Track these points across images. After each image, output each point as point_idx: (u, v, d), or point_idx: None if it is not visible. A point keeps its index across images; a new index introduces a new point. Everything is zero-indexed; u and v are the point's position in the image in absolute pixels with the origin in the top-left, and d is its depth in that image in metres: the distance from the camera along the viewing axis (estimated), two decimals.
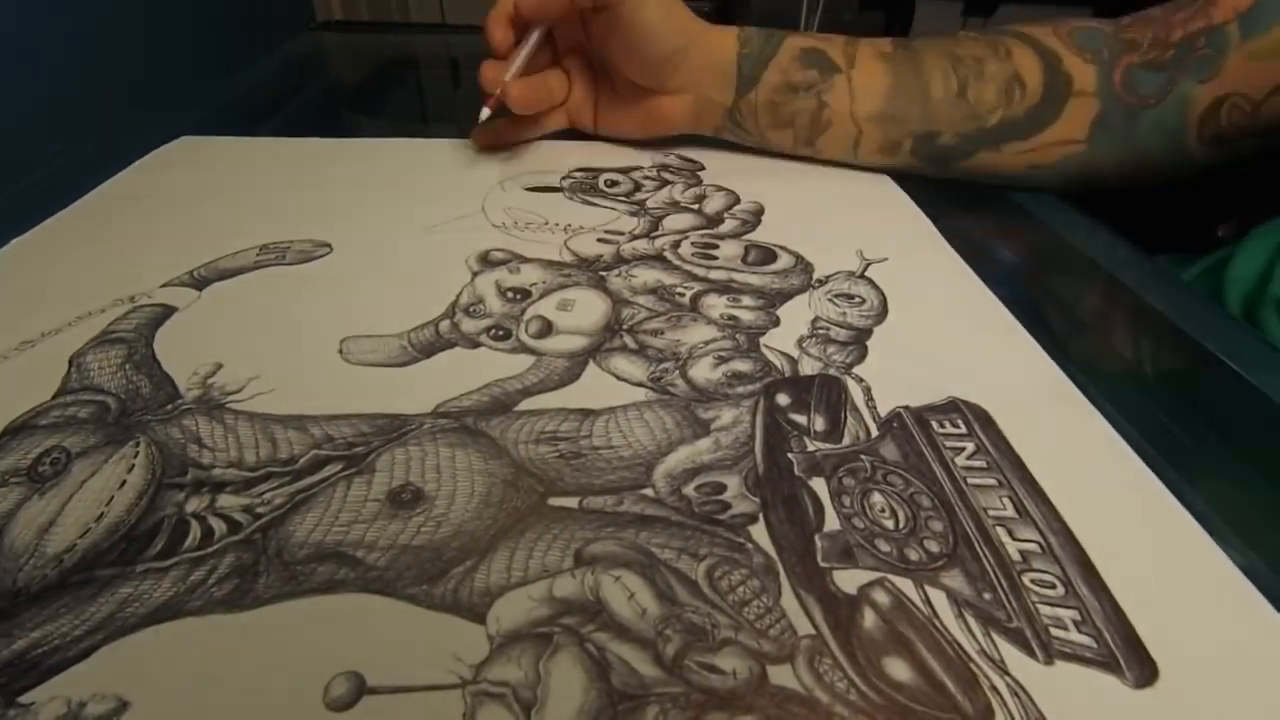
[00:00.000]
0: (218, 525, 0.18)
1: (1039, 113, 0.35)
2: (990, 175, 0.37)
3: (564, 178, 0.37)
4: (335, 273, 0.29)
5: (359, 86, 0.57)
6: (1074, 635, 0.16)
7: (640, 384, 0.24)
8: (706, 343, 0.26)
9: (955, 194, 0.37)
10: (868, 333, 0.26)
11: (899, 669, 0.15)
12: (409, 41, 0.67)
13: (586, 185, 0.37)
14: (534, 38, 0.36)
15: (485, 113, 0.36)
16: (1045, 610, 0.17)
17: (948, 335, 0.26)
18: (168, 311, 0.26)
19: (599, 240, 0.32)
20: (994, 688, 0.15)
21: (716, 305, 0.28)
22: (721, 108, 0.38)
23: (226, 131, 0.41)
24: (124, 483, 0.19)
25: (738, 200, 0.36)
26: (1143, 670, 0.16)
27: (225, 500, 0.19)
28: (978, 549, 0.18)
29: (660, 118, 0.39)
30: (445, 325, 0.26)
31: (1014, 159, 0.36)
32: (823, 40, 0.37)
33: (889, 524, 0.19)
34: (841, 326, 0.27)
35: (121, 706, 0.14)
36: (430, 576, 0.17)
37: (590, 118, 0.41)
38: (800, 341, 0.26)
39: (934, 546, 0.18)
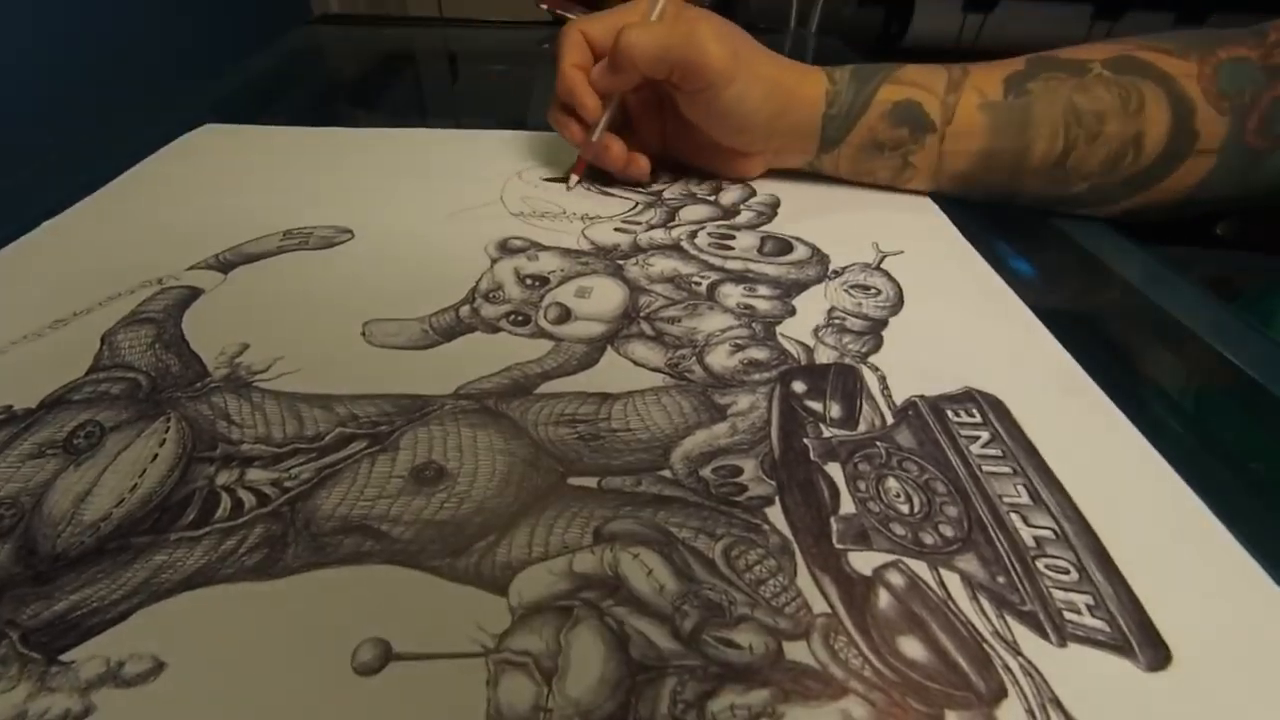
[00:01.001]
0: (247, 498, 0.19)
1: (1144, 177, 0.32)
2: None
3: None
4: (357, 258, 0.30)
5: (357, 80, 0.57)
6: (1087, 619, 0.16)
7: (657, 369, 0.24)
8: (723, 330, 0.26)
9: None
10: (883, 323, 0.27)
11: (913, 647, 0.16)
12: (407, 35, 0.68)
13: (603, 175, 0.37)
14: (615, 101, 0.34)
15: (575, 180, 0.36)
16: (1059, 594, 0.17)
17: (962, 326, 0.27)
18: (195, 293, 0.27)
19: (616, 230, 0.32)
20: (1007, 668, 0.15)
21: (733, 294, 0.28)
22: (802, 162, 0.36)
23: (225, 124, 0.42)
24: (156, 455, 0.20)
25: (754, 192, 0.36)
26: (1156, 654, 0.16)
27: (254, 474, 0.19)
28: (992, 534, 0.18)
29: (734, 168, 0.37)
30: (465, 310, 0.26)
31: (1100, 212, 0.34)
32: (921, 87, 0.33)
33: (904, 508, 0.19)
34: (857, 316, 0.27)
35: (158, 666, 0.15)
36: (453, 550, 0.17)
37: (660, 144, 0.37)
38: (816, 331, 0.26)
39: (948, 531, 0.18)
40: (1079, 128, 0.31)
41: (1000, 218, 0.36)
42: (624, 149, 0.34)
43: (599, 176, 0.37)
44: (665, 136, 0.37)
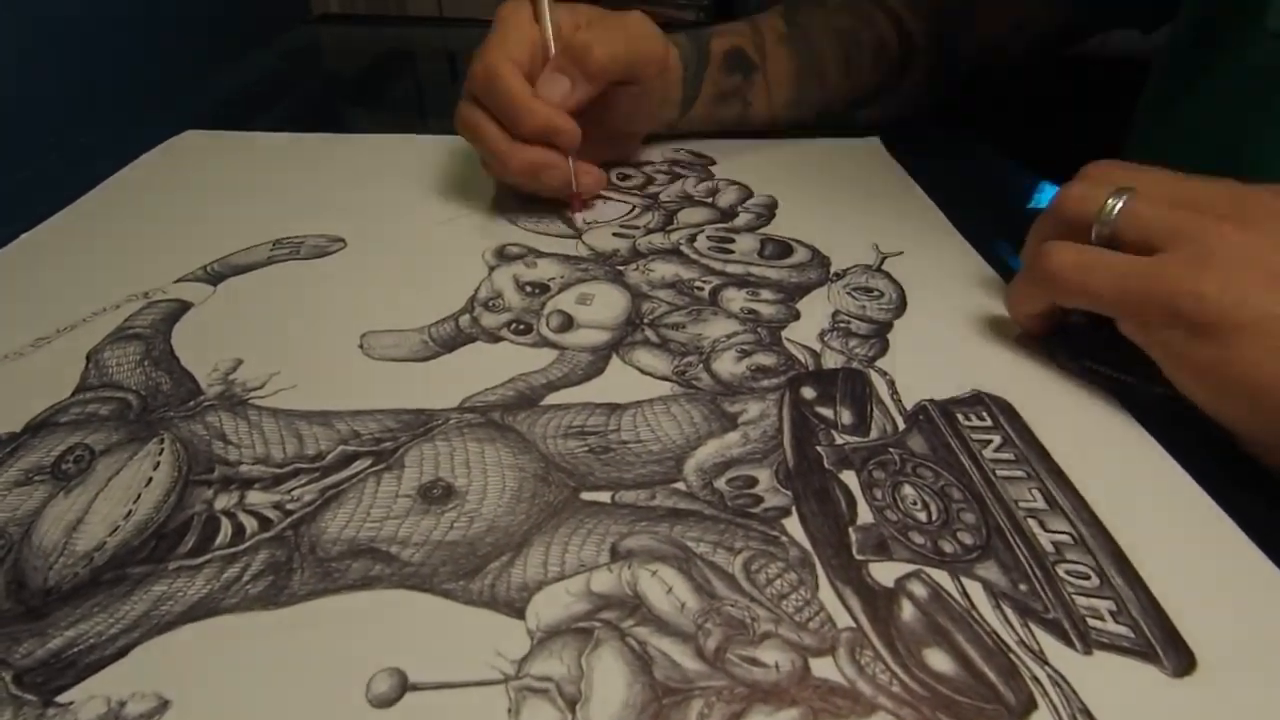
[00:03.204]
0: (249, 522, 0.18)
1: (899, 71, 0.40)
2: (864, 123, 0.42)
3: None
4: (351, 267, 0.29)
5: (356, 80, 0.56)
6: (1111, 625, 0.16)
7: (665, 378, 0.23)
8: (728, 336, 0.26)
9: (966, 184, 0.37)
10: (888, 326, 0.26)
11: (940, 660, 0.15)
12: (406, 35, 0.67)
13: None
14: None
15: (581, 219, 0.32)
16: (1081, 601, 0.17)
17: (966, 327, 0.26)
18: (184, 307, 0.26)
19: (614, 234, 0.32)
20: (1035, 678, 0.15)
21: (736, 299, 0.28)
22: (667, 126, 0.39)
23: (223, 125, 0.41)
24: (150, 480, 0.19)
25: (750, 194, 0.36)
26: (1180, 659, 0.16)
27: (254, 497, 0.19)
28: (1011, 540, 0.18)
29: (626, 147, 0.38)
30: (465, 320, 0.26)
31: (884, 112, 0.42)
32: (736, 35, 0.38)
33: (921, 516, 0.19)
34: (862, 320, 0.27)
35: (162, 705, 0.14)
36: (466, 572, 0.17)
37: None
38: (822, 335, 0.26)
39: (967, 538, 0.18)
40: (844, 43, 0.39)
41: (999, 217, 0.36)
42: (591, 165, 0.33)
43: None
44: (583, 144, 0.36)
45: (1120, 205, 0.21)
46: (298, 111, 0.46)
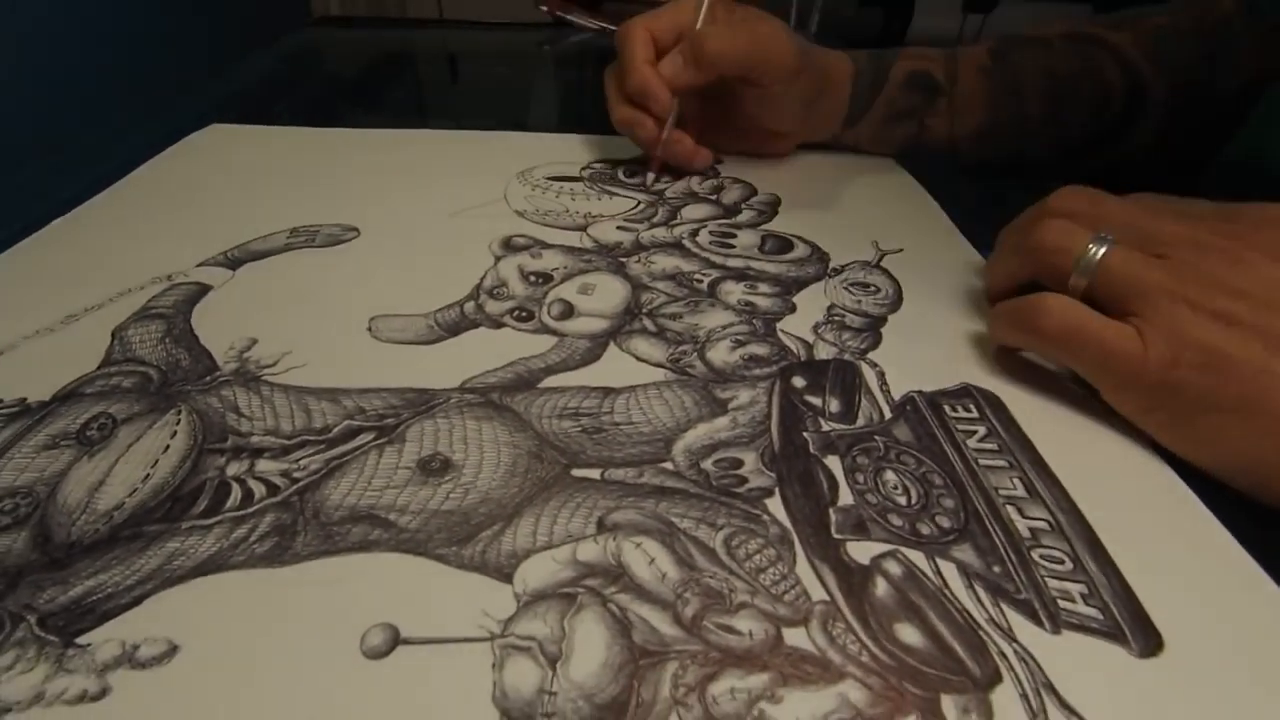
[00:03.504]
0: (257, 488, 0.19)
1: (1116, 131, 0.37)
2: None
3: (584, 168, 0.38)
4: (363, 255, 0.30)
5: (357, 81, 0.57)
6: (1081, 607, 0.17)
7: (659, 365, 0.24)
8: (724, 327, 0.26)
9: (970, 187, 0.37)
10: (882, 320, 0.27)
11: (910, 634, 0.16)
12: (406, 37, 0.68)
13: (606, 175, 0.38)
14: (678, 100, 0.34)
15: (651, 178, 0.36)
16: (1053, 584, 0.17)
17: (961, 323, 0.27)
18: (203, 290, 0.27)
19: (619, 228, 0.33)
20: (1002, 654, 0.16)
21: (734, 291, 0.28)
22: (831, 136, 0.39)
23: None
24: (168, 447, 0.20)
25: (754, 192, 0.37)
26: (1148, 641, 0.16)
27: (264, 465, 0.20)
28: (988, 525, 0.19)
29: (769, 148, 0.39)
30: (470, 306, 0.27)
31: (1093, 166, 0.38)
32: (925, 59, 0.38)
33: (901, 500, 0.19)
34: (856, 314, 0.27)
35: (172, 649, 0.15)
36: (459, 539, 0.18)
37: (695, 134, 0.37)
38: (816, 327, 0.26)
39: (945, 522, 0.19)
40: (1057, 88, 0.37)
41: (1000, 216, 0.36)
42: (693, 141, 0.36)
43: (601, 177, 0.37)
44: (703, 126, 0.38)
45: (1099, 257, 0.22)
46: (298, 113, 0.47)
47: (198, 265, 0.29)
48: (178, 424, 0.21)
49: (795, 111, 0.36)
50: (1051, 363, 0.24)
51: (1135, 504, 0.20)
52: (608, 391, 0.23)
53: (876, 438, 0.21)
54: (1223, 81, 0.36)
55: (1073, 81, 0.37)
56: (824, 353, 0.25)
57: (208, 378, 0.23)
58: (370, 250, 0.30)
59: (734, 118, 0.37)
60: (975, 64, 0.38)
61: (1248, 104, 0.35)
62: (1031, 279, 0.24)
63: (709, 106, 0.37)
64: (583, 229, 0.32)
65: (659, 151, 0.36)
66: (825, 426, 0.22)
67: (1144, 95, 0.36)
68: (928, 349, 0.25)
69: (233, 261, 0.29)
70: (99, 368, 0.23)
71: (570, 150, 0.40)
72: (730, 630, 0.16)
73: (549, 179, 0.37)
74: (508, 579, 0.17)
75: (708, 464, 0.20)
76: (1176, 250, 0.21)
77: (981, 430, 0.22)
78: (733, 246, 0.32)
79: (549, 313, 0.27)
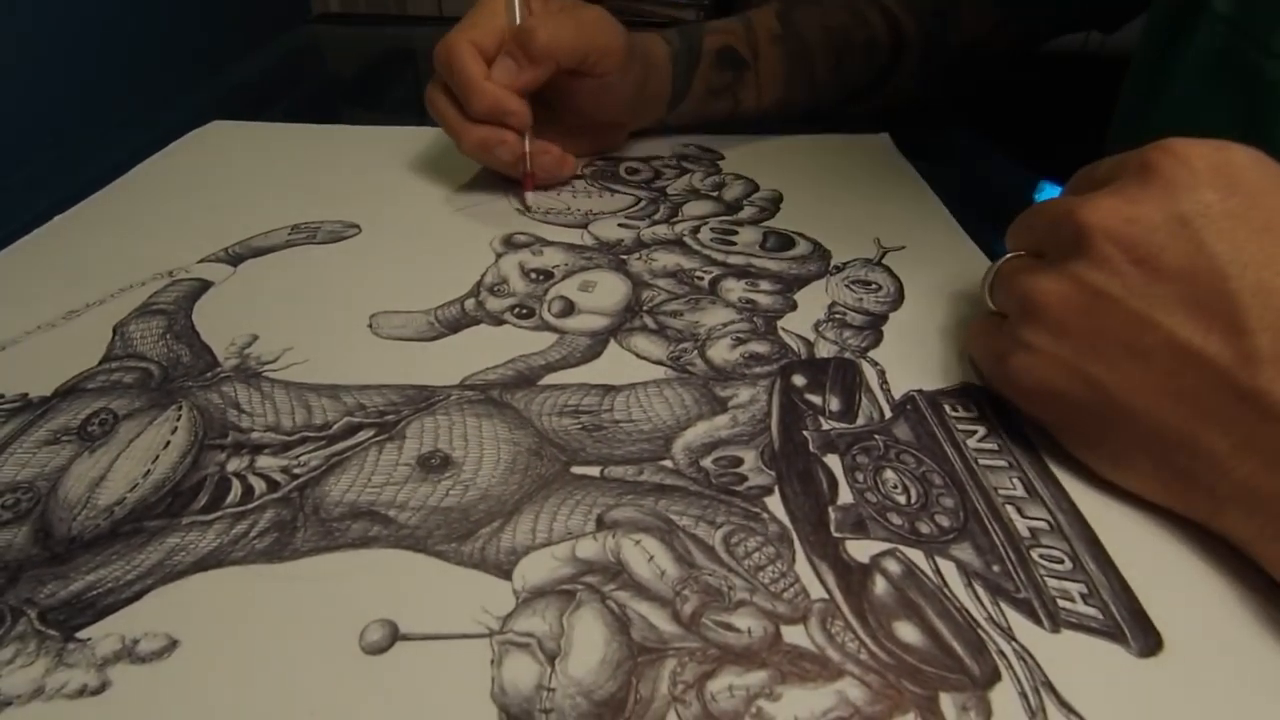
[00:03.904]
0: (257, 484, 0.19)
1: (889, 66, 0.41)
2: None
3: (585, 165, 0.38)
4: (364, 252, 0.30)
5: (356, 79, 0.57)
6: (1081, 607, 0.17)
7: (660, 363, 0.24)
8: (725, 324, 0.26)
9: (973, 184, 0.37)
10: (883, 318, 0.27)
11: (909, 632, 0.16)
12: (406, 34, 0.68)
13: (608, 173, 0.37)
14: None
15: (531, 199, 0.33)
16: (1053, 583, 0.17)
17: (962, 322, 0.27)
18: (205, 286, 0.27)
19: (620, 225, 0.33)
20: (1001, 652, 0.16)
21: (735, 289, 0.28)
22: (657, 121, 0.40)
23: None
24: (168, 443, 0.20)
25: (756, 188, 0.36)
26: (1147, 640, 0.16)
27: (264, 461, 0.20)
28: (987, 524, 0.19)
29: (598, 142, 0.39)
30: (471, 303, 0.27)
31: (871, 107, 0.43)
32: (728, 32, 0.39)
33: (901, 499, 0.19)
34: (858, 312, 0.27)
35: (172, 644, 0.15)
36: (459, 535, 0.18)
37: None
38: (817, 325, 0.26)
39: (945, 521, 0.19)
40: (835, 40, 0.40)
41: (1001, 213, 0.36)
42: (558, 148, 0.34)
43: (602, 174, 0.37)
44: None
45: (993, 274, 0.22)
46: (298, 110, 0.46)
47: (199, 261, 0.29)
48: (178, 420, 0.21)
49: (628, 98, 0.35)
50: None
51: (1134, 504, 0.19)
52: (608, 389, 0.23)
53: (876, 436, 0.21)
54: (950, 36, 0.42)
55: (846, 32, 0.40)
56: (825, 351, 0.25)
57: (208, 374, 0.23)
58: (371, 247, 0.30)
59: (563, 119, 0.35)
60: (769, 33, 0.39)
61: (975, 61, 0.43)
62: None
63: (536, 113, 0.32)
64: (584, 226, 0.32)
65: (529, 167, 0.32)
66: (825, 425, 0.22)
67: (903, 38, 0.41)
68: (929, 348, 0.25)
69: (234, 258, 0.29)
70: (100, 363, 0.23)
71: None
72: (729, 628, 0.16)
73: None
74: (507, 576, 0.17)
75: (707, 462, 0.20)
76: (1050, 245, 0.20)
77: (982, 430, 0.22)
78: (734, 243, 0.31)
79: (550, 310, 0.27)
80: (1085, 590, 0.17)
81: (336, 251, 0.30)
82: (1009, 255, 0.22)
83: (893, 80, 0.42)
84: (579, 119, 0.36)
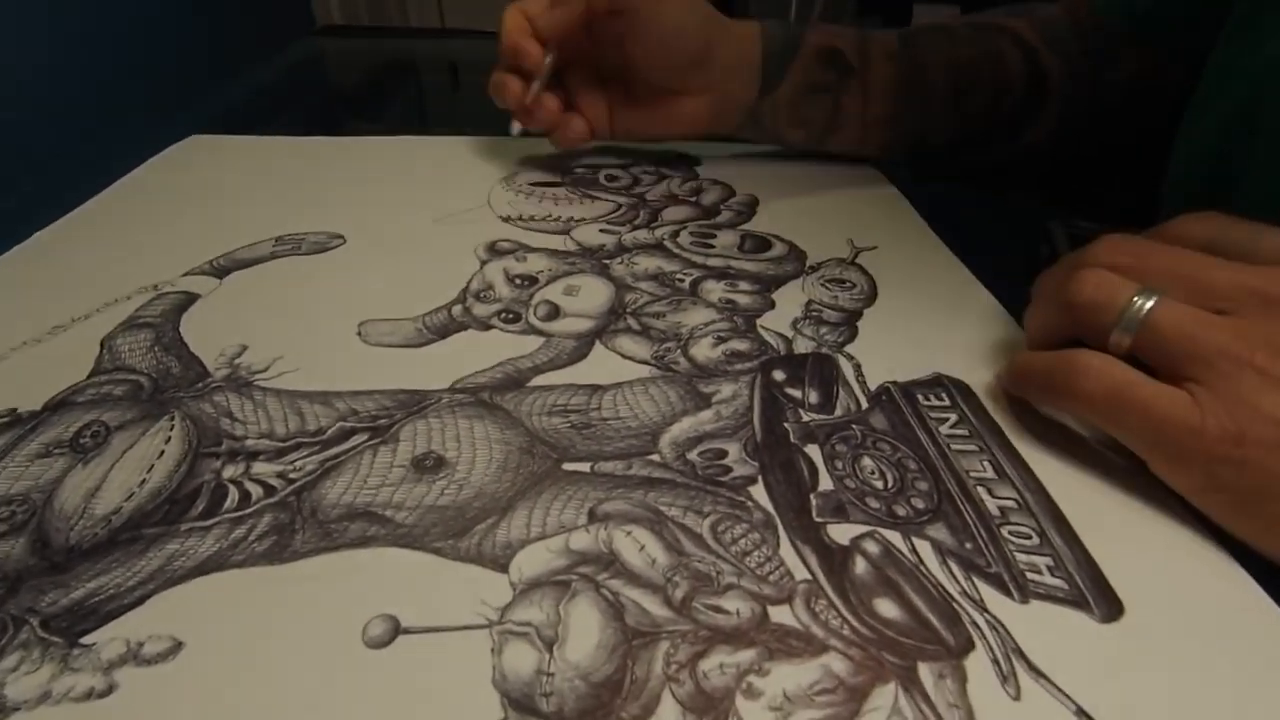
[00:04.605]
0: (254, 489, 0.19)
1: (1018, 116, 0.37)
2: (971, 170, 0.40)
3: (566, 173, 0.39)
4: (349, 262, 0.30)
5: (359, 91, 0.58)
6: (1047, 579, 0.18)
7: (644, 362, 0.25)
8: (706, 324, 0.27)
9: (941, 190, 0.39)
10: (858, 314, 0.28)
11: (888, 608, 0.17)
12: (408, 46, 0.68)
13: (588, 180, 0.38)
14: (552, 56, 0.34)
15: (518, 128, 0.36)
16: (1021, 558, 0.18)
17: (932, 316, 0.28)
18: (191, 298, 0.28)
19: (601, 231, 0.33)
20: (974, 623, 0.17)
21: (715, 290, 0.29)
22: (744, 107, 0.36)
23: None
24: (163, 452, 0.20)
25: (733, 193, 0.37)
26: (1110, 608, 0.17)
27: (259, 468, 0.20)
28: (960, 505, 0.20)
29: (680, 119, 0.36)
30: (458, 309, 0.27)
31: (995, 156, 0.39)
32: (838, 37, 0.37)
33: (878, 484, 0.20)
34: (833, 309, 0.28)
35: (176, 646, 0.16)
36: (455, 532, 0.18)
37: (607, 125, 0.37)
38: (794, 323, 0.27)
39: (920, 503, 0.20)
40: (960, 74, 0.37)
41: (970, 216, 0.38)
42: (559, 106, 0.35)
43: (583, 181, 0.38)
44: (610, 117, 0.37)
45: (1144, 313, 0.19)
46: (301, 122, 0.47)
47: (184, 275, 0.29)
48: (171, 429, 0.21)
49: (679, 48, 0.33)
50: (1088, 429, 0.22)
51: (1097, 482, 0.21)
52: (595, 388, 0.23)
53: (854, 426, 0.22)
54: (1109, 77, 0.37)
55: (974, 67, 0.37)
56: (803, 347, 0.26)
57: (199, 384, 0.23)
58: (356, 257, 0.31)
59: (632, 88, 0.36)
60: (884, 49, 0.37)
61: (1134, 109, 0.37)
62: (1071, 336, 0.21)
63: (611, 92, 0.36)
64: (566, 233, 0.33)
65: (527, 102, 0.34)
66: (805, 417, 0.23)
67: (1044, 82, 0.36)
68: (901, 341, 0.26)
69: (219, 270, 0.29)
70: (89, 377, 0.23)
71: (554, 153, 0.41)
72: (718, 610, 0.17)
73: (532, 184, 0.38)
74: (503, 569, 0.17)
75: (693, 455, 0.21)
76: (1240, 305, 0.18)
77: (953, 417, 0.23)
78: (713, 246, 0.32)
79: (535, 314, 0.27)
80: (1052, 563, 0.18)
81: (322, 262, 0.30)
82: (1155, 300, 0.19)
83: (1027, 131, 0.38)
84: (645, 86, 0.35)
